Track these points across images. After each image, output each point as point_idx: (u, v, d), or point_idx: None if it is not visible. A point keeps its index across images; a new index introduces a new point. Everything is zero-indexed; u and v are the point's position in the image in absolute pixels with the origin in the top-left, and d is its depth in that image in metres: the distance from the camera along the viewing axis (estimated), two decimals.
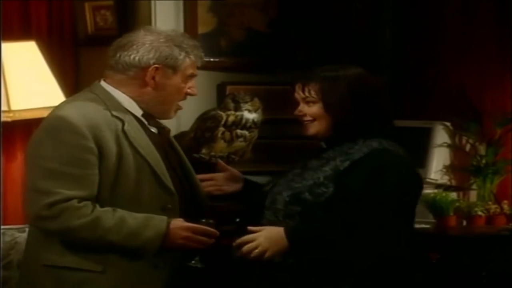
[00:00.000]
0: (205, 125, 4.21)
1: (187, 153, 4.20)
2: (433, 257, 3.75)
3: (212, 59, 4.40)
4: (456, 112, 4.19)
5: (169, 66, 2.73)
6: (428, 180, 4.10)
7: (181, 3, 4.37)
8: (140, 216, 2.68)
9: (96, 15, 4.47)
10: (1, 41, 3.78)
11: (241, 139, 3.74)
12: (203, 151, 4.15)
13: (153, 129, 2.80)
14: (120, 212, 2.66)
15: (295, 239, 2.77)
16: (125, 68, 2.73)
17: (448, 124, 4.20)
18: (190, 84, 2.79)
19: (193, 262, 2.83)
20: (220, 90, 4.41)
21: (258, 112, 4.18)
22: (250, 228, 2.79)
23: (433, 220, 4.01)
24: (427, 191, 4.04)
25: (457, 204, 4.05)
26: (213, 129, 4.18)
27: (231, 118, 4.17)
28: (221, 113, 4.21)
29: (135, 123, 2.73)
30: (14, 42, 4.07)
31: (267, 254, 2.76)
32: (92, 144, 2.64)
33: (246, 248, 2.76)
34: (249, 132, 3.72)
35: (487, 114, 4.18)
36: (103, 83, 2.77)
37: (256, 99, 4.21)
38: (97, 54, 4.36)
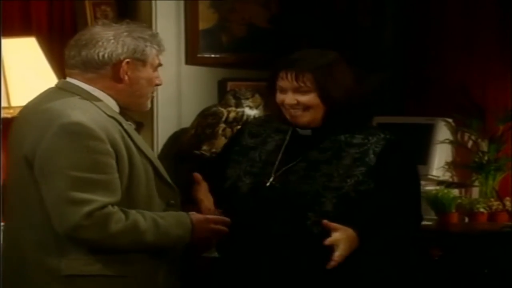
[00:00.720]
0: (206, 122, 4.21)
1: (188, 150, 4.21)
2: (435, 254, 3.74)
3: (213, 55, 4.39)
4: (458, 108, 4.18)
5: (138, 58, 2.71)
6: (430, 176, 4.09)
7: None
8: (165, 215, 2.68)
9: (97, 11, 4.46)
10: (1, 38, 3.76)
11: None
12: (204, 147, 4.15)
13: (133, 124, 2.79)
14: (148, 213, 2.65)
15: (366, 243, 2.78)
16: (95, 67, 2.68)
17: (450, 120, 4.19)
18: (156, 74, 2.78)
19: (214, 252, 2.87)
20: (221, 87, 4.39)
21: (259, 109, 4.18)
22: (328, 223, 2.74)
23: (435, 217, 3.99)
24: (429, 187, 4.03)
25: (459, 201, 4.04)
26: (214, 126, 4.18)
27: (232, 115, 4.16)
28: (222, 109, 4.21)
29: (125, 121, 2.72)
30: (14, 38, 4.06)
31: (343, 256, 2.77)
32: (110, 148, 2.61)
33: (338, 258, 2.74)
34: None
35: (489, 111, 4.17)
36: (75, 81, 2.71)
37: (257, 96, 4.21)
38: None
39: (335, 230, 2.75)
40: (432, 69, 4.47)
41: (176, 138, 4.31)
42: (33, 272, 2.65)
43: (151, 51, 2.72)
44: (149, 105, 2.79)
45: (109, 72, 2.69)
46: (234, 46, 4.41)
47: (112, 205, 2.60)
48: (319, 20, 4.53)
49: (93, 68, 2.68)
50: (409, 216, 2.88)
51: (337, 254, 2.74)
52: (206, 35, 4.38)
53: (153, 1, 4.31)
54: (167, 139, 4.30)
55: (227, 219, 2.77)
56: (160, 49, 2.76)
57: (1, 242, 2.72)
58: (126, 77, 2.70)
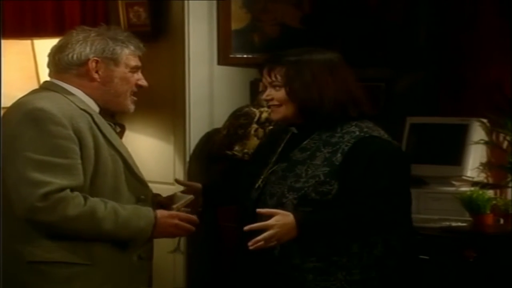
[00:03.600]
0: (238, 122, 4.20)
1: (220, 150, 4.20)
2: (470, 256, 3.71)
3: (245, 56, 4.39)
4: (493, 108, 4.14)
5: (109, 58, 2.80)
6: (464, 177, 4.06)
7: None
8: (128, 207, 2.72)
9: (129, 11, 4.47)
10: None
11: None
12: (236, 148, 4.14)
13: (112, 125, 2.85)
14: (110, 203, 2.69)
15: (307, 230, 2.75)
16: (68, 67, 2.80)
17: (485, 120, 4.15)
18: (137, 76, 2.85)
19: (178, 250, 2.91)
20: (253, 87, 4.38)
21: None
22: (261, 211, 2.75)
23: (470, 218, 3.96)
24: (464, 189, 4.00)
25: (494, 202, 4.00)
26: (246, 126, 4.17)
27: (264, 115, 4.15)
28: (254, 110, 4.21)
29: (99, 116, 2.79)
30: (47, 39, 4.08)
31: (279, 243, 2.75)
32: (73, 134, 2.68)
33: (263, 237, 2.72)
34: None
35: None
36: (57, 81, 2.82)
37: None
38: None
39: (273, 215, 2.73)
40: (466, 68, 4.43)
41: (208, 139, 4.31)
42: (5, 260, 2.70)
43: (122, 50, 2.81)
44: (131, 106, 2.85)
45: (81, 71, 2.79)
46: (266, 46, 4.40)
47: (72, 189, 2.64)
48: (351, 20, 4.50)
49: (67, 69, 2.80)
50: (370, 212, 2.78)
51: (261, 237, 2.71)
52: (238, 35, 4.38)
53: (186, 2, 4.31)
54: (199, 140, 4.31)
55: (193, 217, 2.80)
56: (135, 50, 2.83)
57: (1, 241, 2.73)
58: (97, 76, 2.79)
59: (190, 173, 4.24)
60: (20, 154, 2.65)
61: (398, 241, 2.88)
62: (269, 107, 2.94)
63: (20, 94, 2.85)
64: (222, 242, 4.14)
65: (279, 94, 2.86)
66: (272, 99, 2.87)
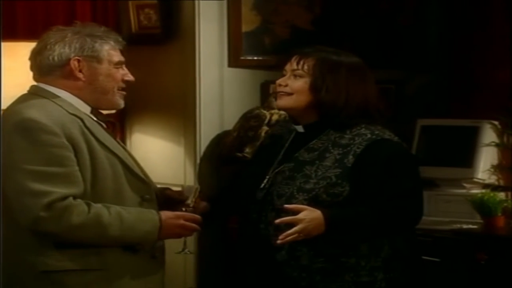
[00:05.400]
0: (249, 124, 4.19)
1: (231, 152, 4.20)
2: (481, 258, 3.70)
3: (255, 58, 4.38)
4: (504, 110, 4.13)
5: (90, 56, 2.75)
6: (475, 180, 4.05)
7: (225, 1, 4.35)
8: (132, 210, 2.70)
9: (140, 13, 4.48)
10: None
11: None
12: (247, 150, 4.14)
13: (103, 124, 2.81)
14: (114, 207, 2.67)
15: (335, 225, 2.76)
16: (51, 69, 2.75)
17: (496, 123, 4.14)
18: (123, 71, 2.80)
19: (186, 250, 2.90)
20: (264, 89, 4.38)
21: None
22: (288, 206, 2.75)
23: (481, 221, 3.95)
24: (475, 191, 3.98)
25: (505, 204, 3.99)
26: (256, 128, 4.17)
27: (274, 117, 4.15)
28: (265, 112, 4.20)
29: (90, 119, 2.75)
30: None
31: (307, 237, 2.75)
32: (66, 141, 2.64)
33: (293, 231, 2.72)
34: None
35: None
36: (44, 85, 2.77)
37: None
38: (141, 52, 4.38)
39: (301, 210, 2.73)
40: (477, 70, 4.42)
41: (218, 140, 4.31)
42: (16, 271, 2.67)
43: (102, 46, 2.76)
44: (120, 102, 2.80)
45: (65, 72, 2.75)
46: (277, 48, 4.39)
47: (74, 197, 2.61)
48: (362, 22, 4.50)
49: (50, 71, 2.75)
50: (397, 211, 2.81)
51: (290, 231, 2.71)
52: (249, 37, 4.37)
53: (196, 4, 4.31)
54: (210, 142, 4.30)
55: (196, 216, 2.78)
56: (115, 45, 2.78)
57: (2, 242, 2.71)
58: (81, 75, 2.75)
59: (200, 175, 4.23)
60: (16, 166, 2.61)
61: (403, 243, 2.89)
62: (277, 94, 2.91)
63: None
64: (233, 243, 4.14)
65: (297, 83, 2.85)
66: (286, 86, 2.86)
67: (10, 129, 2.65)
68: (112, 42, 2.78)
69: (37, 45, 2.80)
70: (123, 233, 2.65)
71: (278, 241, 2.73)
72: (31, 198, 2.59)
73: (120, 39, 2.80)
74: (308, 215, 2.73)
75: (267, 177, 2.88)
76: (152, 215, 2.71)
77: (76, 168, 2.63)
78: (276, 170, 2.88)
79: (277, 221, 2.74)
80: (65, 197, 2.60)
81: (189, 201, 2.85)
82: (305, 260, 2.80)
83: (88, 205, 2.63)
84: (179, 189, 2.94)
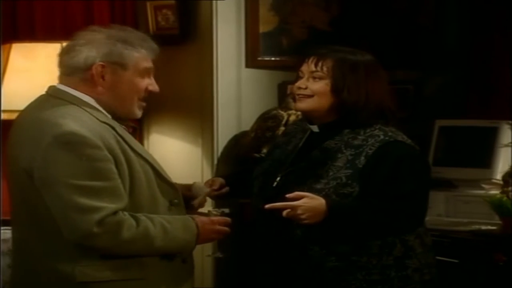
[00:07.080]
0: (266, 125, 4.19)
1: (248, 153, 4.20)
2: (500, 259, 3.68)
3: (273, 58, 4.38)
4: None
5: (115, 62, 2.65)
6: (494, 180, 4.03)
7: (242, 1, 4.35)
8: (170, 219, 2.68)
9: (158, 14, 4.48)
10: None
11: None
12: (264, 150, 4.13)
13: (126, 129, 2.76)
14: (156, 218, 2.64)
15: (336, 216, 2.75)
16: (74, 71, 2.66)
17: None
18: (148, 80, 2.71)
19: (218, 253, 2.94)
20: (281, 90, 4.38)
21: None
22: (290, 195, 2.74)
23: (499, 222, 3.93)
24: (493, 192, 3.97)
25: None
26: (274, 129, 4.17)
27: (292, 118, 4.15)
28: (282, 112, 4.20)
29: (119, 126, 2.68)
30: None
31: (307, 224, 2.74)
32: (108, 154, 2.59)
33: (285, 214, 2.71)
34: None
35: None
36: (65, 88, 2.69)
37: None
38: (159, 53, 4.39)
39: (301, 197, 2.72)
40: (496, 71, 4.40)
41: (236, 141, 4.31)
42: (46, 282, 2.62)
43: (131, 54, 2.66)
44: (138, 113, 2.72)
45: (86, 76, 2.66)
46: (294, 49, 4.39)
47: (122, 211, 2.59)
48: (380, 22, 4.49)
49: (73, 73, 2.67)
50: (394, 213, 2.80)
51: (278, 204, 2.71)
52: (266, 38, 4.37)
53: (214, 4, 4.32)
54: (227, 142, 4.30)
55: (228, 219, 2.78)
56: (148, 53, 2.69)
57: (1, 244, 2.70)
58: (101, 81, 2.65)
59: (218, 175, 4.23)
60: (60, 180, 2.54)
61: (415, 242, 2.88)
62: (295, 96, 2.90)
63: None
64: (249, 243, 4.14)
65: (317, 85, 2.84)
66: (306, 88, 2.85)
67: (48, 140, 2.57)
68: (143, 51, 2.68)
69: (67, 44, 2.71)
70: (166, 243, 2.64)
71: (266, 206, 2.74)
72: (80, 213, 2.54)
73: (155, 47, 2.71)
74: (307, 203, 2.72)
75: (280, 175, 2.87)
76: (190, 223, 2.70)
77: (119, 180, 2.59)
78: (289, 170, 2.87)
79: (267, 206, 2.74)
80: (115, 212, 2.57)
81: (195, 202, 2.84)
82: (316, 259, 2.80)
83: (135, 218, 2.61)
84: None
